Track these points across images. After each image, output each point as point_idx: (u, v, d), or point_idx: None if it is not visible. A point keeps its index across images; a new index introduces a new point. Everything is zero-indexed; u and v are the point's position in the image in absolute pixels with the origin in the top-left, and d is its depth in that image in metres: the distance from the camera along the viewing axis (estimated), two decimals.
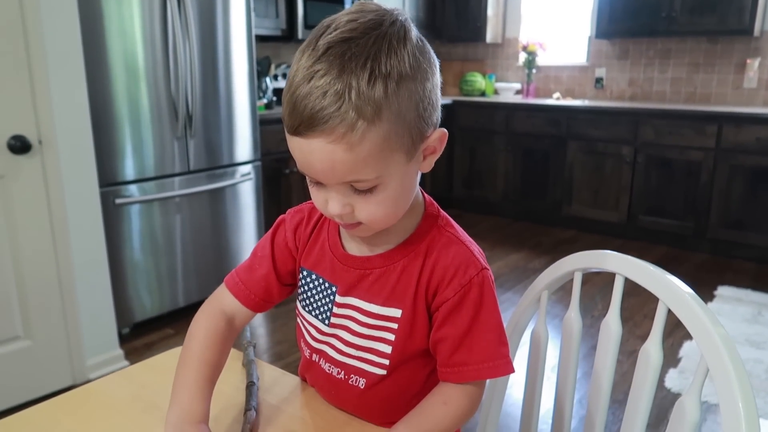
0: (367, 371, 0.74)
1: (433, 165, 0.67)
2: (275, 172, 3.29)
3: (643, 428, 0.78)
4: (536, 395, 0.98)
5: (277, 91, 3.71)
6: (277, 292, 0.80)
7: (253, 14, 2.87)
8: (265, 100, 3.44)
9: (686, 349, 2.46)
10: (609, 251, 0.86)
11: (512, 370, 0.69)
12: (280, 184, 3.35)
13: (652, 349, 0.76)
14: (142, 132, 2.45)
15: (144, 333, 2.60)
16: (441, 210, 0.74)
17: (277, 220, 0.82)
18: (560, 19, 4.64)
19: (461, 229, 0.74)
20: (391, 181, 0.62)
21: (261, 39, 3.48)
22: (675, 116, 3.67)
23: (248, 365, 0.80)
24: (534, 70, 4.65)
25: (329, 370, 0.77)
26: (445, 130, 0.65)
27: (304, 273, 0.79)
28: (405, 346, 0.72)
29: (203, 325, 0.76)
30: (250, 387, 0.74)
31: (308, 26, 3.60)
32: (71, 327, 2.12)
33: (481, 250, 0.73)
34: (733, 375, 0.63)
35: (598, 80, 4.46)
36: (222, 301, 0.79)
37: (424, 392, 0.72)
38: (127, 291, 2.51)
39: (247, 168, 2.94)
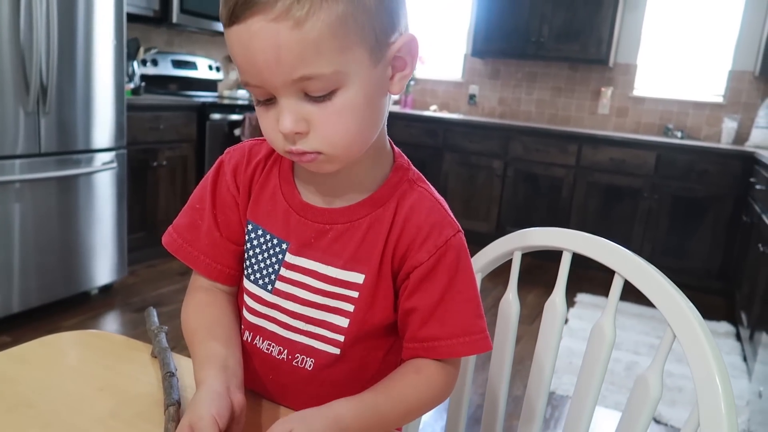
0: (317, 350, 0.62)
1: (404, 88, 0.57)
2: (142, 163, 2.98)
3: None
4: (466, 390, 0.91)
5: (145, 78, 3.39)
6: (229, 256, 0.66)
7: None
8: (132, 85, 3.12)
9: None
10: (553, 228, 0.82)
11: (490, 347, 0.61)
12: (147, 178, 3.04)
13: (606, 324, 0.73)
14: None
15: None
16: (411, 163, 0.65)
17: (216, 162, 0.67)
18: (438, 36, 4.79)
19: (433, 187, 0.65)
20: (353, 85, 0.52)
21: (130, 18, 3.16)
22: (542, 134, 3.91)
23: (162, 354, 0.64)
24: (412, 82, 4.74)
25: (268, 349, 0.64)
26: (415, 35, 0.56)
27: (249, 228, 0.65)
28: (365, 319, 0.61)
29: (187, 315, 0.64)
30: (169, 378, 0.59)
31: (184, 10, 3.33)
32: None
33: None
34: (700, 332, 0.61)
35: (472, 96, 4.65)
36: (194, 281, 0.67)
37: (378, 378, 0.61)
38: None
39: (109, 156, 2.62)
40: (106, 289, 2.76)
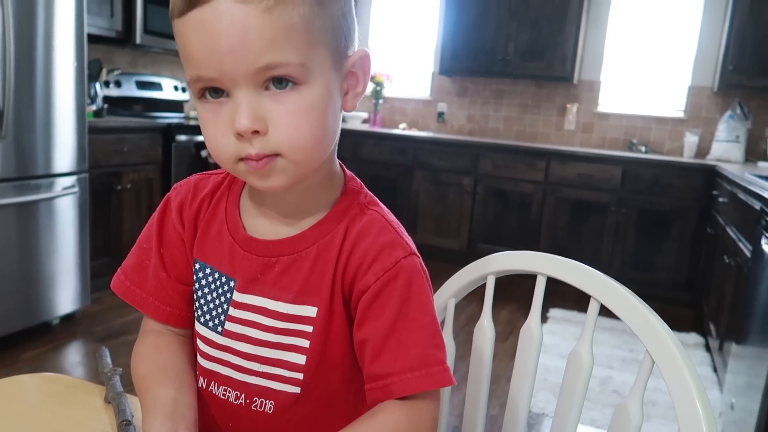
0: (275, 390, 0.58)
1: (356, 106, 0.56)
2: (105, 187, 2.90)
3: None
4: (444, 414, 0.89)
5: (108, 99, 3.31)
6: (178, 297, 0.62)
7: (85, 10, 2.52)
8: (94, 107, 3.05)
9: None
10: (528, 251, 0.81)
11: (452, 381, 0.55)
12: (111, 202, 2.96)
13: (583, 350, 0.71)
14: None
15: None
16: (364, 187, 0.62)
17: (163, 199, 0.64)
18: (406, 54, 4.82)
19: (387, 210, 0.61)
20: (316, 83, 0.50)
21: (92, 39, 3.09)
22: (510, 151, 3.95)
23: (116, 399, 0.60)
24: (381, 101, 4.75)
25: (224, 395, 0.60)
26: (369, 53, 0.56)
27: (197, 267, 0.61)
28: (323, 354, 0.57)
29: (137, 361, 0.61)
30: (125, 427, 0.54)
31: (148, 31, 3.28)
32: None
33: (409, 237, 0.60)
34: (678, 357, 0.60)
35: (440, 114, 4.68)
36: (145, 325, 0.63)
37: (352, 415, 0.57)
38: None
39: (70, 180, 2.54)
40: (68, 318, 2.66)
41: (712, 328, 2.81)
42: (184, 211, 0.62)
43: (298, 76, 0.49)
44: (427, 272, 0.59)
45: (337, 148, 0.60)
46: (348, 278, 0.56)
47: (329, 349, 0.58)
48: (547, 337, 2.90)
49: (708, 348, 2.91)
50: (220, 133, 0.50)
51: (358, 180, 0.62)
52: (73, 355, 2.41)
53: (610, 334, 2.97)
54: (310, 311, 0.57)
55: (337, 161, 0.61)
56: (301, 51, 0.48)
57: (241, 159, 0.51)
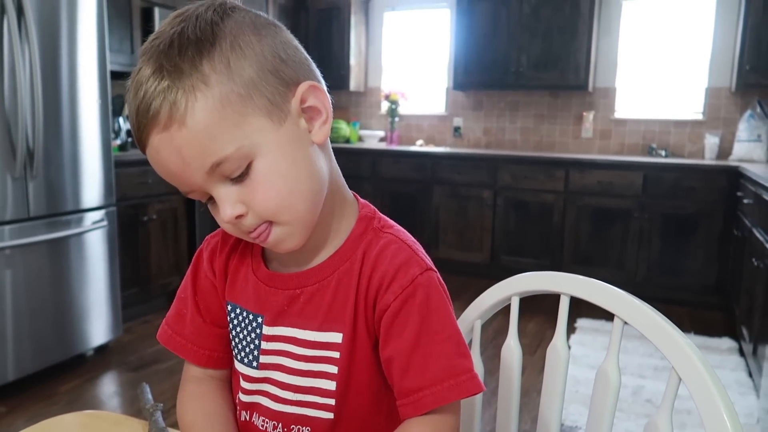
0: (310, 417, 0.61)
1: (327, 134, 0.58)
2: (132, 219, 2.97)
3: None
4: (476, 428, 0.90)
5: (131, 133, 3.40)
6: (215, 340, 0.67)
7: (107, 48, 2.61)
8: (118, 141, 3.14)
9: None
10: (551, 272, 0.82)
11: (481, 388, 0.58)
12: (138, 233, 3.03)
13: (610, 368, 0.72)
14: None
15: None
16: (378, 212, 0.65)
17: (196, 252, 0.69)
18: (420, 71, 4.87)
19: (403, 230, 0.64)
20: (264, 152, 0.53)
21: (114, 75, 3.19)
22: (528, 162, 3.95)
23: None
24: (397, 119, 4.79)
25: (264, 426, 0.63)
26: (313, 82, 0.57)
27: (229, 309, 0.65)
28: (350, 379, 0.60)
29: (182, 408, 0.65)
30: None
31: None
32: None
33: (426, 254, 0.63)
34: (707, 377, 0.61)
35: (456, 129, 4.70)
36: (186, 371, 0.67)
37: None
38: None
39: (99, 214, 2.61)
40: (101, 350, 2.72)
41: (744, 332, 2.76)
42: (214, 259, 0.67)
43: (244, 159, 0.53)
44: (444, 286, 0.61)
45: (341, 179, 0.64)
46: (370, 301, 0.59)
47: (356, 373, 0.60)
48: (576, 348, 2.88)
49: (742, 352, 2.86)
50: (223, 223, 0.57)
51: (371, 206, 0.66)
52: (109, 385, 2.46)
53: (639, 342, 2.93)
54: (336, 337, 0.60)
55: (348, 192, 0.65)
56: (232, 138, 0.52)
57: (247, 234, 0.57)
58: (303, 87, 0.56)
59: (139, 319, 3.10)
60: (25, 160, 2.24)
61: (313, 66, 0.59)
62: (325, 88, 0.58)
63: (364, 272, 0.59)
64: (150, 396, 0.73)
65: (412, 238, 0.63)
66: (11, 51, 2.15)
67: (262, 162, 0.54)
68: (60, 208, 2.43)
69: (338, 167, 0.64)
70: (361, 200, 0.66)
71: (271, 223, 0.56)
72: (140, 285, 3.06)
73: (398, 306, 0.57)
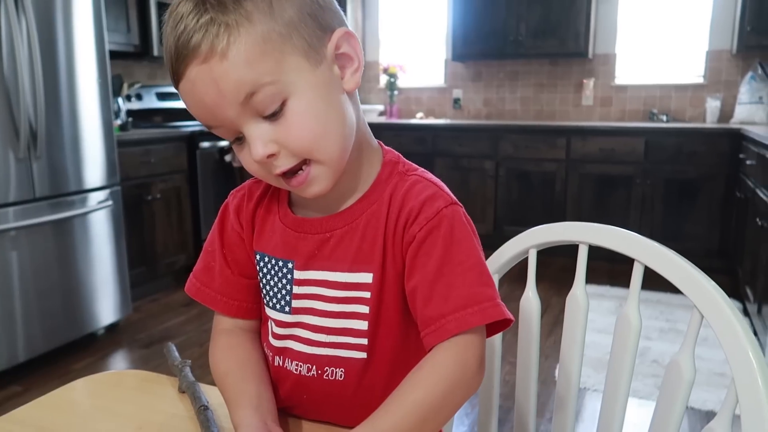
0: (343, 358, 0.62)
1: (358, 82, 0.59)
2: (136, 198, 2.97)
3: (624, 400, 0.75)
4: (494, 394, 0.91)
5: (131, 113, 3.39)
6: (244, 291, 0.68)
7: (104, 27, 2.59)
8: (119, 122, 3.12)
9: None
10: (567, 222, 0.83)
11: (506, 315, 0.57)
12: (143, 212, 3.03)
13: (631, 313, 0.73)
14: None
15: None
16: (402, 157, 0.66)
17: (222, 206, 0.70)
18: (418, 43, 4.82)
19: (428, 171, 0.65)
20: (300, 91, 0.55)
21: (111, 55, 3.16)
22: (529, 131, 3.94)
23: (191, 388, 0.64)
24: (396, 92, 4.76)
25: (297, 369, 0.64)
26: (348, 29, 0.58)
27: (257, 258, 0.66)
28: (381, 318, 0.61)
29: (215, 359, 0.66)
30: (204, 412, 0.58)
31: None
32: None
33: (452, 193, 0.63)
34: (725, 308, 0.62)
35: (456, 101, 4.68)
36: (217, 324, 0.68)
37: None
38: None
39: (103, 194, 2.61)
40: (112, 328, 2.74)
41: (749, 292, 2.79)
42: (241, 212, 0.68)
43: (279, 95, 0.54)
44: (470, 220, 0.62)
45: (367, 128, 0.64)
46: (398, 238, 0.60)
47: (386, 312, 0.61)
48: None
49: (746, 312, 2.89)
50: (250, 163, 0.58)
51: (396, 152, 0.67)
52: (122, 362, 2.49)
53: (644, 305, 2.95)
54: (367, 278, 0.61)
55: (373, 140, 0.66)
56: (270, 72, 0.53)
57: (278, 175, 0.57)
58: (338, 33, 0.57)
59: (147, 297, 3.12)
60: (28, 140, 2.23)
61: (345, 18, 0.60)
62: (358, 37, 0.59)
63: (392, 212, 0.60)
64: (176, 354, 0.75)
65: (438, 179, 0.64)
66: (9, 33, 2.13)
67: (297, 101, 0.55)
68: (64, 188, 2.43)
69: (364, 116, 0.64)
70: (386, 147, 0.67)
71: (307, 163, 0.57)
72: (147, 264, 3.08)
73: (423, 237, 0.58)
